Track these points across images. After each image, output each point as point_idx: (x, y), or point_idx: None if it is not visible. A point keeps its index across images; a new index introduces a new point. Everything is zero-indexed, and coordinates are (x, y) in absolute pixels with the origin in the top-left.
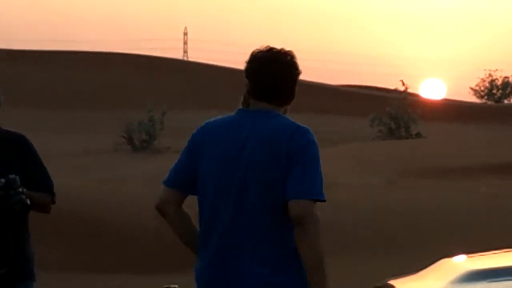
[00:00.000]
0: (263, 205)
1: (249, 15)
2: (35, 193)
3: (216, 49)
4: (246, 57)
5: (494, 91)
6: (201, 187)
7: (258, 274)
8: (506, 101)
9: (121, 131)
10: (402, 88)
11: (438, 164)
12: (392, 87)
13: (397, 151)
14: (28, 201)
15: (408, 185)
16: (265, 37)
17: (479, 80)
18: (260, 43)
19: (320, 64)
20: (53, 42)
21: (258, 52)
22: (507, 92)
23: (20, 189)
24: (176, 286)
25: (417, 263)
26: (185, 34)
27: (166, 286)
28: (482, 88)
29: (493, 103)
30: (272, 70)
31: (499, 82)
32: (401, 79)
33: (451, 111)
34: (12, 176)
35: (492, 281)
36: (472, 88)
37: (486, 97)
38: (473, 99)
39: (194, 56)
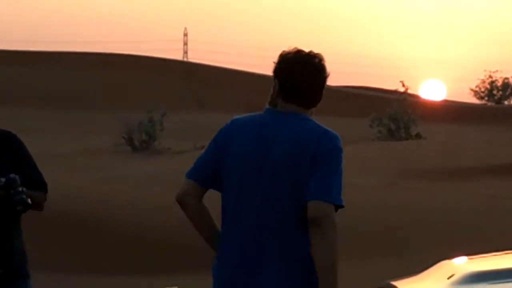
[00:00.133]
0: (288, 207)
1: (249, 16)
2: (33, 192)
3: (216, 50)
4: (246, 58)
5: (494, 92)
6: (225, 184)
7: (280, 277)
8: (506, 102)
9: (121, 132)
10: (402, 89)
11: (438, 165)
12: (392, 88)
13: (397, 152)
14: (29, 201)
15: (408, 186)
16: (265, 38)
17: (479, 81)
18: (260, 44)
19: None
20: (54, 43)
21: (287, 54)
22: (507, 93)
23: (20, 189)
24: (176, 287)
25: (416, 264)
26: (185, 35)
27: (166, 287)
28: (482, 89)
29: (493, 104)
30: (302, 73)
31: (499, 83)
32: (401, 80)
33: (451, 112)
34: (12, 175)
35: (493, 283)
36: (472, 89)
37: (486, 98)
38: (473, 100)
39: (194, 57)
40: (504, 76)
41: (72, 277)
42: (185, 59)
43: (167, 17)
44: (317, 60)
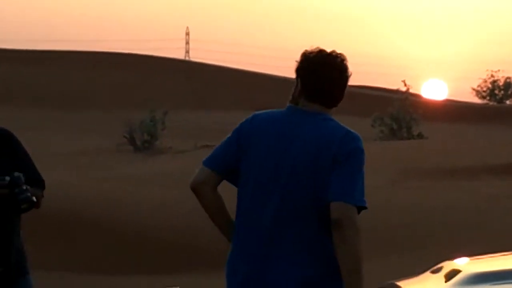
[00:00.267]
0: (306, 205)
1: (251, 16)
2: (34, 190)
3: (218, 49)
4: (248, 57)
5: (496, 91)
6: (243, 179)
7: (296, 276)
8: (507, 102)
9: (123, 131)
10: (404, 89)
11: (440, 165)
12: (394, 88)
13: (399, 151)
14: (34, 199)
15: (410, 186)
16: (268, 37)
17: (481, 80)
18: (263, 44)
19: None
20: (56, 42)
21: (309, 53)
22: (509, 92)
23: (24, 187)
24: (178, 287)
25: (418, 263)
26: (187, 34)
27: (167, 286)
28: (484, 89)
29: (495, 103)
30: (325, 73)
31: (501, 83)
32: (403, 79)
33: (453, 112)
34: (16, 174)
35: (495, 284)
36: (474, 89)
37: (488, 97)
38: (475, 99)
39: (196, 56)
40: (506, 75)
41: (72, 276)
42: (187, 58)
43: (169, 16)
44: (339, 60)
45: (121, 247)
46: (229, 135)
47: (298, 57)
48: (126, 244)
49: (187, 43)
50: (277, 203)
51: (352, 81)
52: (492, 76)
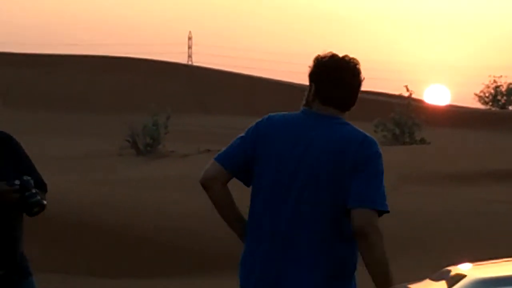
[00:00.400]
0: (323, 210)
1: (254, 20)
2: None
3: (220, 53)
4: (251, 62)
5: (499, 97)
6: (257, 180)
7: (310, 279)
8: (510, 108)
9: (125, 135)
10: (406, 94)
11: (442, 170)
12: (397, 93)
13: (401, 156)
14: (45, 202)
15: (412, 191)
16: (270, 42)
17: (483, 86)
18: (265, 48)
19: None
20: (58, 46)
21: (322, 58)
22: None
23: (34, 190)
24: None
25: (418, 269)
26: (190, 38)
27: None
28: (486, 94)
29: (497, 109)
30: (339, 77)
31: (503, 89)
32: (405, 84)
33: (455, 117)
34: (26, 178)
35: None
36: (476, 94)
37: (490, 103)
38: (478, 105)
39: (199, 60)
40: (509, 81)
41: (74, 279)
42: (189, 63)
43: (171, 21)
44: (352, 64)
45: (122, 250)
46: (242, 134)
47: (299, 62)
48: (127, 247)
49: (190, 47)
50: (292, 206)
51: None
52: (494, 81)
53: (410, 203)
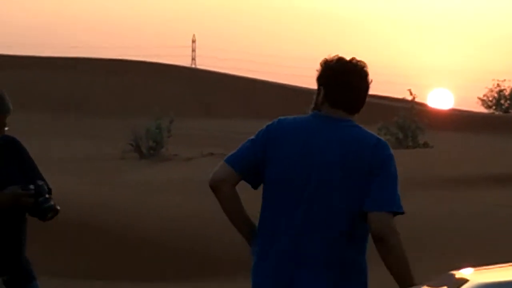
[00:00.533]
0: (336, 213)
1: (258, 23)
2: None
3: (224, 56)
4: (254, 65)
5: (502, 101)
6: (268, 183)
7: (322, 282)
8: None
9: (129, 138)
10: (409, 98)
11: (445, 174)
12: (400, 96)
13: (404, 160)
14: (58, 207)
15: (415, 194)
16: (274, 44)
17: (487, 90)
18: (268, 51)
19: None
20: (62, 48)
21: (330, 61)
22: None
23: (47, 195)
24: None
25: (420, 273)
26: (193, 41)
27: None
28: (490, 98)
29: (501, 113)
30: (348, 80)
31: (507, 93)
32: (409, 88)
33: (459, 121)
34: (40, 183)
35: None
36: (479, 98)
37: (494, 107)
38: (481, 109)
39: (202, 63)
40: None
41: (76, 282)
42: (193, 66)
43: (175, 23)
44: (359, 67)
45: (124, 253)
46: (252, 136)
47: (303, 65)
48: (130, 250)
49: (194, 50)
50: (305, 209)
51: None
52: (498, 85)
53: (412, 206)
